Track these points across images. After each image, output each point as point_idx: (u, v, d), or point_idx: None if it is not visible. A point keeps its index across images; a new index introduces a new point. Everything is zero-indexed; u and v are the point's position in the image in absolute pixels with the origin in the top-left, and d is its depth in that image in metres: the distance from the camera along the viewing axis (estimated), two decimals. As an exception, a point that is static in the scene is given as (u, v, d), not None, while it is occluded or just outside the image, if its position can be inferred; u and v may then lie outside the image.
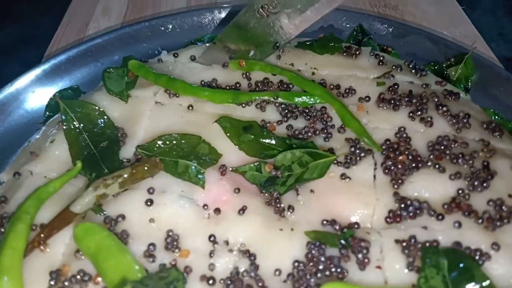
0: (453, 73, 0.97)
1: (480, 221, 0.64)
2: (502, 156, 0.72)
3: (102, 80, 0.87)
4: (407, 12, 1.28)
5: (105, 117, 0.80)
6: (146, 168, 0.69)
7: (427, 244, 0.62)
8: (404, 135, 0.75)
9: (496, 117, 0.87)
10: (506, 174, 0.69)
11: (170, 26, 1.13)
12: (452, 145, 0.73)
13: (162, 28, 1.12)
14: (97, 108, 0.80)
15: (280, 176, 0.72)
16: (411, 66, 0.90)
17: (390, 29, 1.07)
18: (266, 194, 0.71)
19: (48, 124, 0.86)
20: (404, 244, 0.62)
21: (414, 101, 0.78)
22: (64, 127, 0.77)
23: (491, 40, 1.22)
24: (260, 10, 0.83)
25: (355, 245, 0.62)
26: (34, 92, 0.99)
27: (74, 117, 0.78)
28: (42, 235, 0.64)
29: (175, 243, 0.63)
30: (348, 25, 1.08)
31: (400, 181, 0.69)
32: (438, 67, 0.98)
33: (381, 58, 0.89)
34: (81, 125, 0.78)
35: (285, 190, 0.71)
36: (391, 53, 1.01)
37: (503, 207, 0.65)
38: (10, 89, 0.94)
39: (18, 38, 1.30)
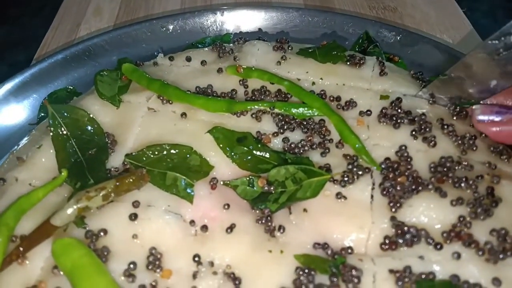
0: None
1: (481, 252, 0.60)
2: (508, 182, 0.67)
3: (94, 84, 0.84)
4: (406, 14, 1.24)
5: (95, 123, 0.77)
6: (131, 180, 0.66)
7: (423, 276, 0.58)
8: (405, 154, 0.71)
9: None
10: (512, 202, 0.65)
11: (171, 27, 1.10)
12: (456, 168, 0.69)
13: (163, 29, 1.09)
14: (86, 113, 0.78)
15: (273, 192, 0.69)
16: (416, 76, 0.86)
17: (398, 37, 1.02)
18: (257, 211, 0.68)
19: (37, 128, 0.83)
20: (398, 275, 0.59)
21: (417, 119, 0.74)
22: (52, 133, 0.75)
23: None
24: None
25: (346, 273, 0.59)
26: (28, 91, 0.97)
27: (62, 122, 0.76)
28: (21, 248, 0.61)
29: (157, 262, 0.61)
30: (352, 31, 1.04)
31: (398, 205, 0.65)
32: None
33: (383, 68, 0.84)
34: (69, 131, 0.75)
35: (277, 208, 0.68)
36: (398, 63, 0.97)
37: (507, 238, 0.61)
38: (2, 88, 0.92)
39: (6, 40, 1.28)
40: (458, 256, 0.60)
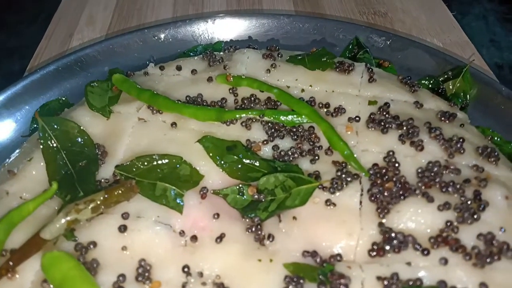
0: (450, 87, 0.93)
1: (468, 257, 0.60)
2: (496, 185, 0.68)
3: (84, 95, 0.84)
4: (396, 19, 1.25)
5: (85, 135, 0.77)
6: (120, 192, 0.66)
7: (410, 283, 0.58)
8: (393, 160, 0.71)
9: (496, 138, 0.83)
10: (499, 205, 0.65)
11: (163, 36, 1.10)
12: (443, 172, 0.69)
13: (155, 38, 1.10)
14: (76, 125, 0.78)
15: (263, 200, 0.69)
16: (404, 81, 0.87)
17: (388, 42, 1.03)
18: (247, 220, 0.68)
19: (28, 140, 0.83)
20: (386, 282, 0.59)
21: (405, 123, 0.74)
22: (42, 145, 0.75)
23: (482, 46, 1.18)
24: None
25: (334, 281, 0.59)
26: (21, 103, 0.97)
27: (52, 134, 0.76)
28: (10, 263, 0.61)
29: (146, 274, 0.61)
30: (342, 37, 1.05)
31: (386, 210, 0.65)
32: (434, 82, 0.94)
33: (372, 75, 0.85)
34: (59, 143, 0.76)
35: (266, 216, 0.68)
36: (388, 68, 0.97)
37: (494, 242, 0.61)
38: (-5, 101, 0.93)
39: (1, 48, 1.29)
40: (445, 261, 0.60)
